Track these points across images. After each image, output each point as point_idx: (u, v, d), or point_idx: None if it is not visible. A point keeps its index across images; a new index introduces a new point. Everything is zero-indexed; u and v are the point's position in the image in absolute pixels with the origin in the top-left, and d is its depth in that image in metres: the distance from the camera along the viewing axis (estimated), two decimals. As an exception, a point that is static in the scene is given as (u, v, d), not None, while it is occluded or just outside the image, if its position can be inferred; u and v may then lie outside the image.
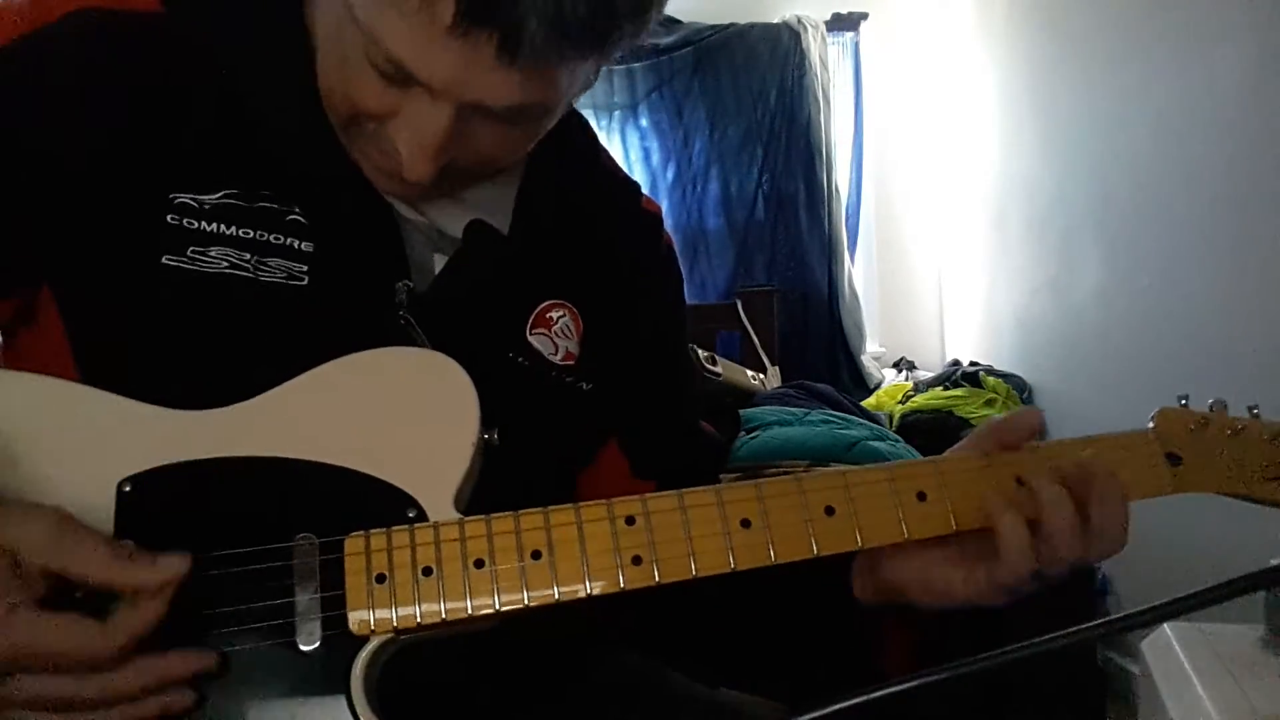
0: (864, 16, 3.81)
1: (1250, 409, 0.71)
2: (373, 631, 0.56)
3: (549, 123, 0.69)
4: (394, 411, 0.63)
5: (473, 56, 0.57)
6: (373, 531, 0.58)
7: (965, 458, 0.66)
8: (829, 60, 3.75)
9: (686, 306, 0.92)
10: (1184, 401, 0.71)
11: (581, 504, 0.60)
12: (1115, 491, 0.63)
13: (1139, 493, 0.67)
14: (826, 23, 3.76)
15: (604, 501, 0.60)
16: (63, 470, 0.58)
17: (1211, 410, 0.71)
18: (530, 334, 0.76)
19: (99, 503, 0.57)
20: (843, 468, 0.64)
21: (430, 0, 0.55)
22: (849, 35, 3.84)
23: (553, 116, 0.69)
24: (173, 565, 0.53)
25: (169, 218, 0.65)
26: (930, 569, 0.66)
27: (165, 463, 0.59)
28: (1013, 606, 0.64)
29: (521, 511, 0.60)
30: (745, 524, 0.61)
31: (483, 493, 0.63)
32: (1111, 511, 0.62)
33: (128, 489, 0.58)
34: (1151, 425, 0.70)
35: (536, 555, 0.59)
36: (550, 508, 0.60)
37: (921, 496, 0.64)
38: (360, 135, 0.66)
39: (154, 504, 0.58)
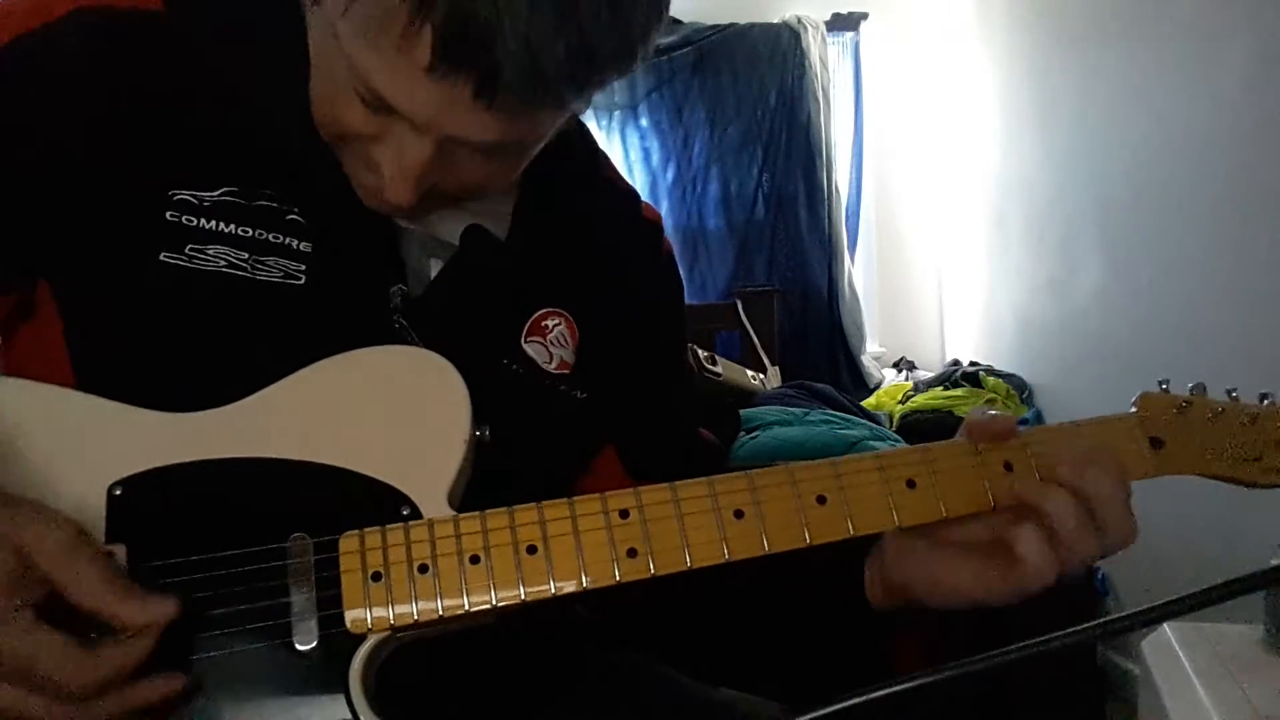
0: (864, 16, 3.81)
1: (1229, 392, 0.72)
2: (370, 630, 0.56)
3: (534, 152, 0.69)
4: (385, 410, 0.62)
5: (451, 96, 0.57)
6: (367, 530, 0.58)
7: (953, 445, 0.66)
8: (829, 60, 3.75)
9: (687, 315, 0.92)
10: (1164, 386, 0.71)
11: (576, 498, 0.60)
12: (1113, 479, 0.62)
13: None
14: (826, 23, 3.77)
15: (598, 495, 0.60)
16: (53, 475, 0.57)
17: (1192, 394, 0.71)
18: (525, 341, 0.75)
19: (90, 507, 0.56)
20: (834, 458, 0.64)
21: (409, 41, 0.55)
22: (849, 35, 3.84)
23: (538, 147, 0.69)
24: (160, 608, 0.52)
25: (168, 215, 0.65)
26: (938, 567, 0.65)
27: (156, 465, 0.58)
28: (1012, 606, 0.64)
29: (516, 507, 0.59)
30: (739, 515, 0.61)
31: (477, 499, 0.63)
32: (1112, 500, 0.62)
33: (118, 492, 0.57)
34: (1134, 409, 0.71)
35: (532, 550, 0.58)
36: (545, 503, 0.60)
37: (911, 484, 0.64)
38: (347, 151, 0.67)
39: (145, 507, 0.57)
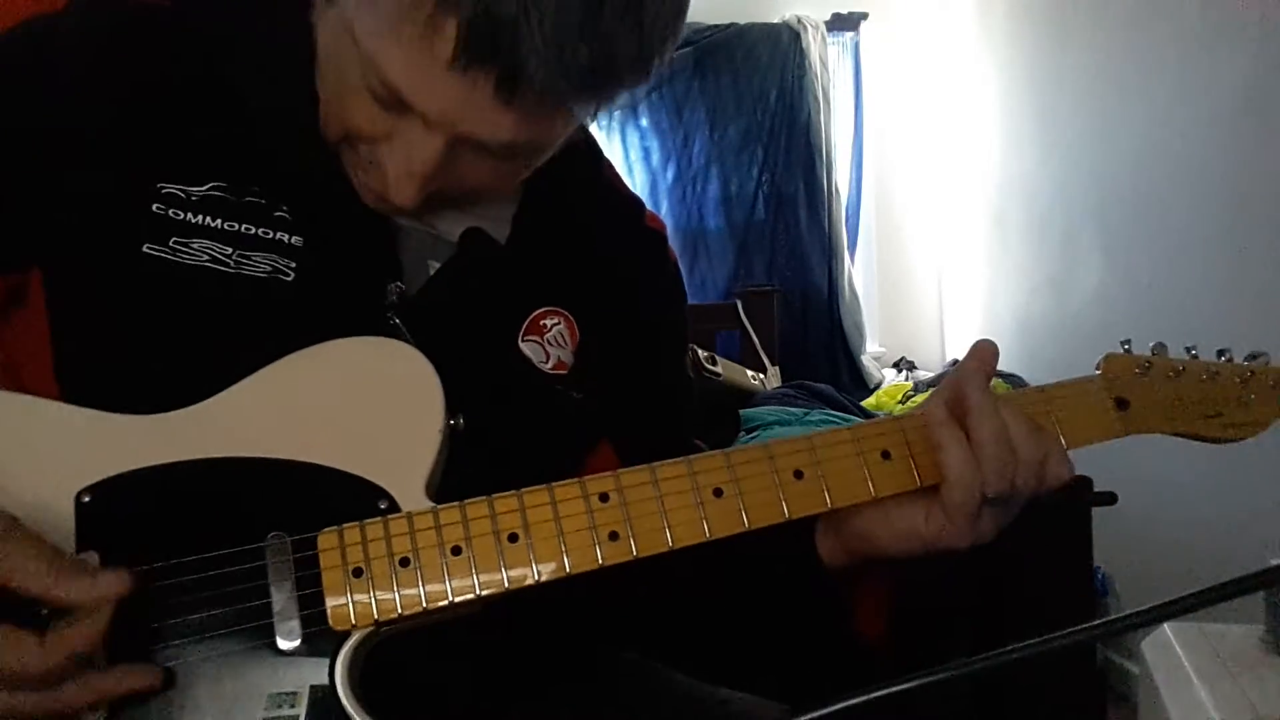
0: (864, 16, 3.81)
1: (1189, 349, 0.72)
2: (354, 625, 0.55)
3: (540, 160, 0.69)
4: (357, 402, 0.62)
5: (470, 92, 0.57)
6: (346, 526, 0.57)
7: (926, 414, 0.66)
8: (829, 60, 3.75)
9: (689, 325, 0.91)
10: (1127, 347, 0.72)
11: (555, 484, 0.60)
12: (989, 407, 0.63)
13: (1090, 437, 0.68)
14: (826, 23, 3.76)
15: (577, 480, 0.60)
16: (20, 484, 0.56)
17: (1154, 354, 0.72)
18: (522, 341, 0.75)
19: (59, 515, 0.55)
20: (810, 433, 0.65)
21: (431, 33, 0.55)
22: (849, 35, 3.84)
23: (546, 154, 0.69)
24: (111, 583, 0.51)
25: (154, 207, 0.65)
26: (893, 509, 0.66)
27: (125, 470, 0.57)
28: (1012, 606, 0.64)
29: (495, 496, 0.59)
30: (718, 493, 0.61)
31: (467, 496, 0.62)
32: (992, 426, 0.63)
33: (87, 499, 0.56)
34: (1099, 371, 0.71)
35: (513, 538, 0.58)
36: (524, 489, 0.59)
37: (886, 455, 0.65)
38: (351, 153, 0.67)
39: (116, 513, 0.56)
